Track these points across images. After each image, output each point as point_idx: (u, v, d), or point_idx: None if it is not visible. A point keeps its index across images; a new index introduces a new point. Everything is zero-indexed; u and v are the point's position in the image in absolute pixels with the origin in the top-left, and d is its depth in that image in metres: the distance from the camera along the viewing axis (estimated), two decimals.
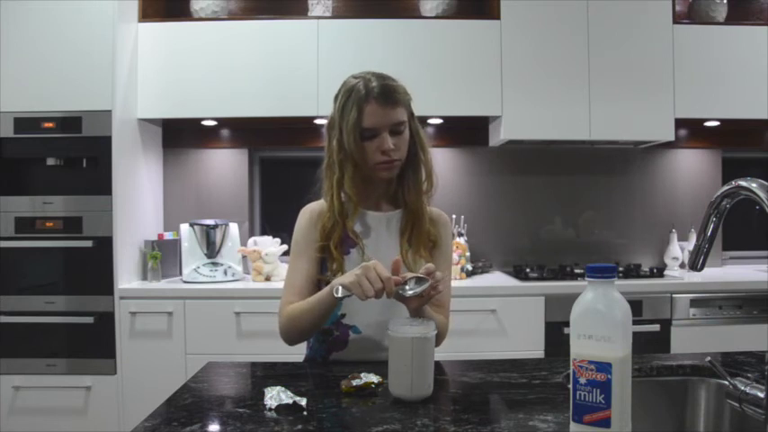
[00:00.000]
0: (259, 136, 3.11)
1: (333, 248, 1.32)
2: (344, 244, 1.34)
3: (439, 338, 1.29)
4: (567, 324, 0.85)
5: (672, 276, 2.78)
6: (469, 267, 2.82)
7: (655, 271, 2.80)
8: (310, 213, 1.39)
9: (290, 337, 1.32)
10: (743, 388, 0.94)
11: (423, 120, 2.92)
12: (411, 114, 1.37)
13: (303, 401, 0.99)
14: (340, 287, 1.14)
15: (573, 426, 0.81)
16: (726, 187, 0.94)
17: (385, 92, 1.28)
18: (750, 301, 2.57)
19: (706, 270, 1.07)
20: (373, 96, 1.27)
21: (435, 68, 2.74)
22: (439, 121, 3.00)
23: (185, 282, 2.69)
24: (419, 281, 1.14)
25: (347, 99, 1.30)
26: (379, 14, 2.80)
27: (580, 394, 0.79)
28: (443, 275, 1.17)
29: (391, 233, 1.37)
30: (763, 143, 3.22)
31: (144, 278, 2.75)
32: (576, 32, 2.75)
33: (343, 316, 1.33)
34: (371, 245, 1.35)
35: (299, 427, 0.91)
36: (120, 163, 2.56)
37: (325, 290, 1.22)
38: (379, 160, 1.30)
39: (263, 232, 3.17)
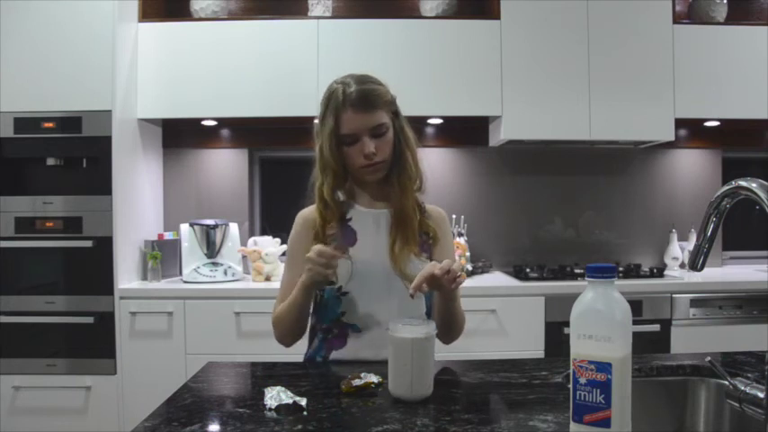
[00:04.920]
0: (259, 136, 3.11)
1: None
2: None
3: (459, 330, 1.38)
4: (567, 324, 0.85)
5: (672, 276, 2.77)
6: (469, 267, 2.82)
7: (655, 271, 2.80)
8: (304, 220, 1.41)
9: (283, 340, 1.38)
10: (743, 388, 0.94)
11: (423, 120, 2.94)
12: (395, 113, 1.36)
13: (303, 401, 0.99)
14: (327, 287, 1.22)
15: (573, 426, 0.81)
16: (726, 187, 0.94)
17: (361, 97, 1.28)
18: (750, 301, 2.57)
19: (706, 270, 1.07)
20: (349, 103, 1.28)
21: (435, 68, 2.74)
22: (439, 121, 3.00)
23: (185, 282, 2.69)
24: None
25: (326, 107, 1.32)
26: (378, 14, 2.80)
27: (580, 394, 0.79)
28: (460, 266, 1.19)
29: (381, 231, 1.37)
30: (763, 143, 3.22)
31: (144, 278, 2.75)
32: (576, 32, 2.75)
33: (343, 314, 1.34)
34: (361, 242, 1.36)
35: (299, 427, 0.91)
36: (120, 163, 2.56)
37: (297, 289, 1.28)
38: (362, 164, 1.32)
39: (263, 232, 3.17)
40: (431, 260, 1.40)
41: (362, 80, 1.32)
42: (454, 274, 1.15)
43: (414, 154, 1.37)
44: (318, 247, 1.20)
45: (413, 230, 1.35)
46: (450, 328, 1.35)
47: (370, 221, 1.38)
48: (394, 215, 1.37)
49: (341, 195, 1.40)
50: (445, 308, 1.30)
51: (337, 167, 1.33)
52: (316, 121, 1.38)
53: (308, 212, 1.40)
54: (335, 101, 1.29)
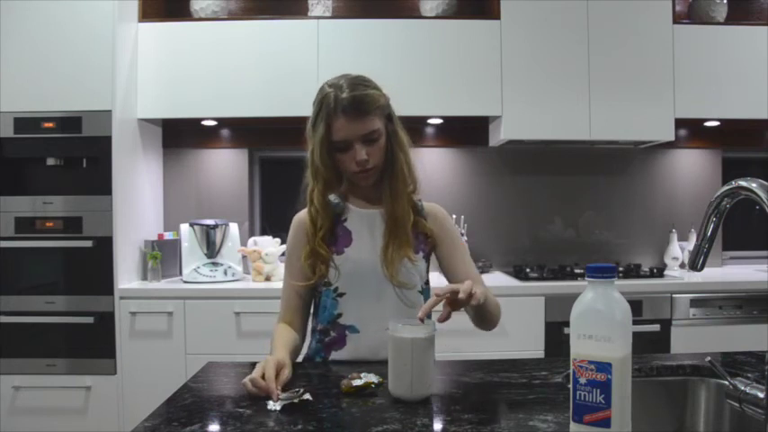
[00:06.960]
0: (259, 136, 3.11)
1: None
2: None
3: (496, 318, 1.36)
4: (567, 324, 0.85)
5: (672, 276, 2.77)
6: None
7: (655, 271, 2.80)
8: (298, 223, 1.40)
9: None
10: (743, 388, 0.94)
11: (422, 120, 2.94)
12: (388, 116, 1.33)
13: (307, 395, 0.99)
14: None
15: (573, 426, 0.81)
16: (726, 187, 0.94)
17: (353, 104, 1.24)
18: (750, 301, 2.57)
19: (706, 270, 1.07)
20: (341, 110, 1.24)
21: (435, 68, 2.74)
22: (439, 121, 3.00)
23: (185, 282, 2.69)
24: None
25: (318, 112, 1.28)
26: (378, 14, 2.80)
27: (580, 394, 0.79)
28: (476, 286, 1.12)
29: (375, 232, 1.36)
30: (763, 143, 3.22)
31: (144, 278, 2.75)
32: (576, 32, 2.75)
33: (340, 315, 1.34)
34: (356, 242, 1.36)
35: (299, 427, 0.91)
36: (120, 163, 2.56)
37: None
38: (354, 170, 1.30)
39: (263, 232, 3.17)
40: (428, 260, 1.40)
41: (355, 84, 1.28)
42: (476, 296, 1.09)
43: (407, 158, 1.35)
44: (254, 377, 1.07)
45: (406, 234, 1.34)
46: (484, 319, 1.34)
47: (364, 222, 1.37)
48: (386, 219, 1.36)
49: (334, 198, 1.36)
50: (477, 307, 1.25)
51: (328, 174, 1.31)
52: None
53: (303, 215, 1.39)
54: (327, 106, 1.26)
